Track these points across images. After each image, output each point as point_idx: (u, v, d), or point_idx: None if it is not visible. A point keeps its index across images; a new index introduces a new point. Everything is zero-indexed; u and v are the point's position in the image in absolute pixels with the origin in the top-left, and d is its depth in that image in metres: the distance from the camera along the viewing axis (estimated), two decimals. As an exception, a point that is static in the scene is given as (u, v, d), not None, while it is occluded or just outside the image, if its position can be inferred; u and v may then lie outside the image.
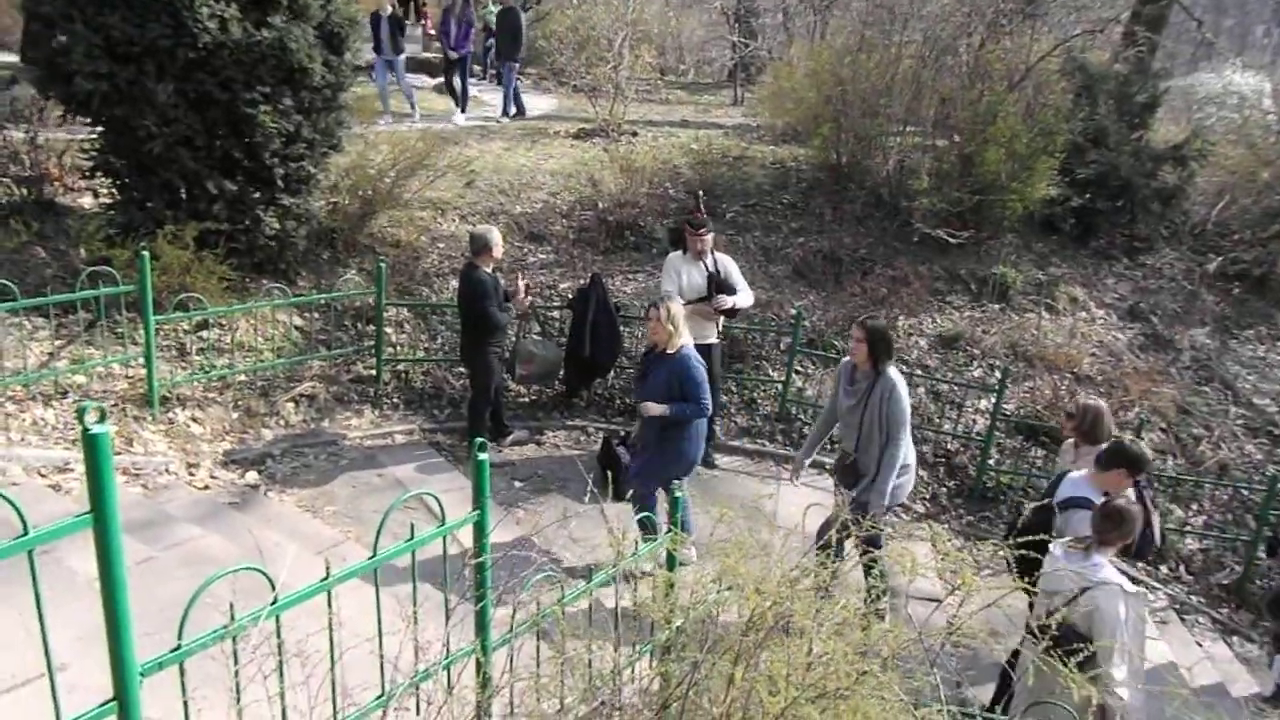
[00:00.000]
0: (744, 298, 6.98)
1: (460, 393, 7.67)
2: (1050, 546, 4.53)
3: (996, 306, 9.98)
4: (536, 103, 16.00)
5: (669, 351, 5.49)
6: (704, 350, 7.06)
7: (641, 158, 11.28)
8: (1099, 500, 4.86)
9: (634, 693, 3.22)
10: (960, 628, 3.13)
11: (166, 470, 5.97)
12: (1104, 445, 5.44)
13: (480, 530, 3.01)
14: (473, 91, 15.66)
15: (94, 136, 7.20)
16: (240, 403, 6.84)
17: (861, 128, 10.83)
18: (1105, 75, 11.69)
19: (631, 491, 5.16)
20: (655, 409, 5.43)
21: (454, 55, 13.65)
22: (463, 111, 13.75)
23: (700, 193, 9.26)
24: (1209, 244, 11.75)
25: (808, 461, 6.06)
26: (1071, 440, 5.73)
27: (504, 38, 13.99)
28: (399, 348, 7.89)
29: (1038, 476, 8.09)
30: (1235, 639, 7.37)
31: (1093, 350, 9.61)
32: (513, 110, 14.15)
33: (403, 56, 13.34)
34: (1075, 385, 9.03)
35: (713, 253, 6.96)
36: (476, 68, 18.34)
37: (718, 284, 6.81)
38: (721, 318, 7.00)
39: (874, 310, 9.33)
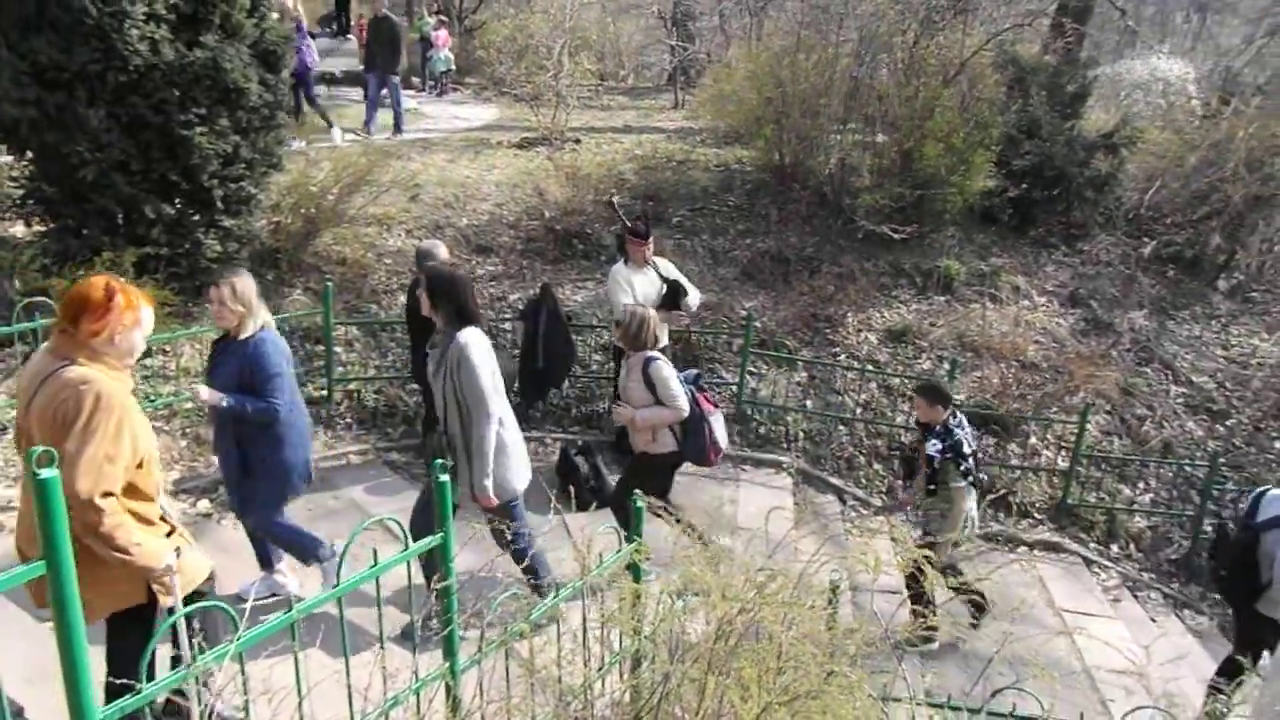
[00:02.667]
0: (696, 295, 7.06)
1: (414, 409, 7.58)
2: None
3: (942, 299, 10.14)
4: (477, 113, 15.92)
5: (241, 337, 4.41)
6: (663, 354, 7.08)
7: (586, 165, 11.28)
8: None
9: (605, 706, 3.22)
10: (925, 621, 3.18)
11: (115, 504, 5.82)
12: (649, 351, 5.39)
13: (444, 553, 2.98)
14: (412, 104, 15.51)
15: (23, 164, 7.01)
16: (188, 430, 6.70)
17: (802, 128, 10.94)
18: (1036, 67, 11.95)
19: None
20: (209, 394, 4.32)
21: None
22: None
23: (614, 198, 9.25)
24: (1143, 228, 12.05)
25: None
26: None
27: (380, 49, 12.90)
28: (349, 367, 7.78)
29: (989, 464, 8.24)
30: (1187, 612, 7.58)
31: (1037, 338, 9.80)
32: (390, 128, 12.80)
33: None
34: (1022, 372, 9.22)
35: (651, 258, 6.99)
36: (416, 80, 18.24)
37: (677, 289, 6.84)
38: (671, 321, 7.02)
39: (824, 307, 9.45)
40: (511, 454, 4.63)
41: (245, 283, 4.41)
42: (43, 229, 7.38)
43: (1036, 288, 10.74)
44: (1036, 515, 8.03)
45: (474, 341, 4.39)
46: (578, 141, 12.77)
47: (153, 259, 6.97)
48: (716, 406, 5.65)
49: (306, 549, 4.85)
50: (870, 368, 8.88)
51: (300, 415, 4.68)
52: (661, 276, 6.89)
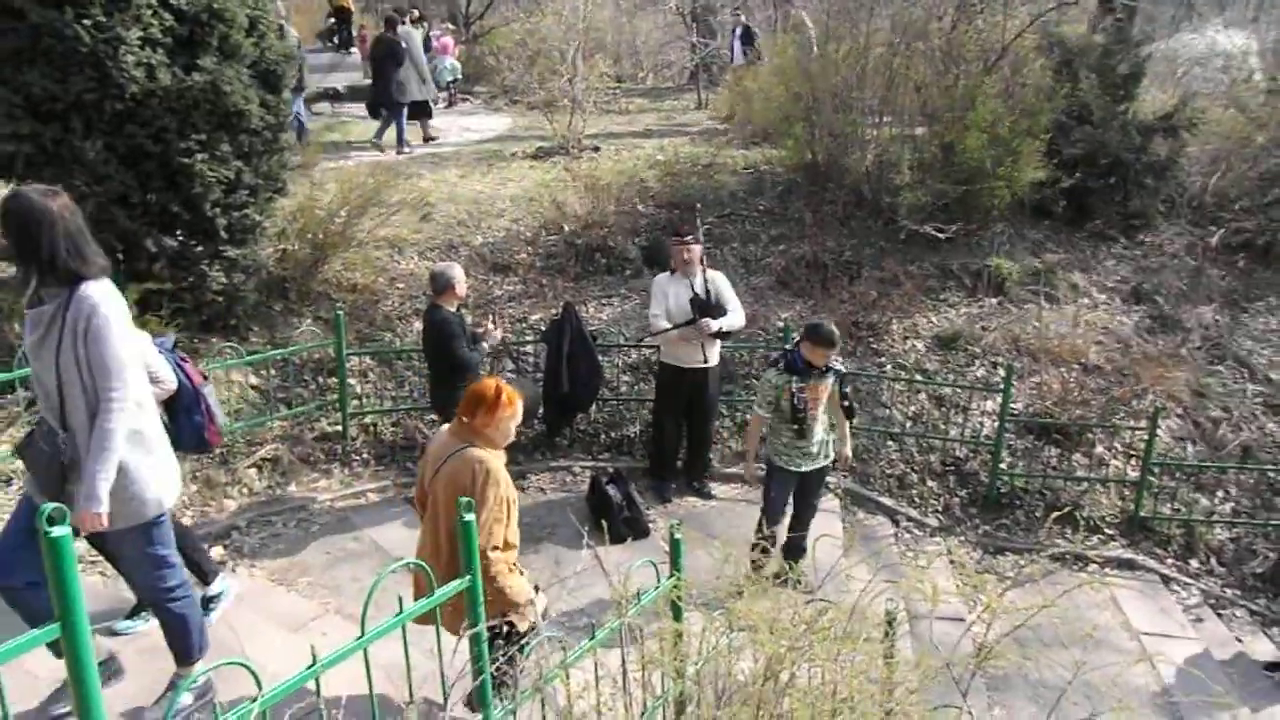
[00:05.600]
0: (734, 318, 6.97)
1: (434, 441, 7.64)
2: None
3: (994, 300, 10.07)
4: (489, 123, 16.07)
5: None
6: (701, 374, 7.08)
7: (606, 174, 11.35)
8: None
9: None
10: (990, 651, 3.16)
11: (125, 553, 5.91)
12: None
13: (473, 597, 3.01)
14: (433, 120, 15.66)
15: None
16: (199, 473, 6.80)
17: (835, 124, 10.94)
18: (1085, 48, 11.87)
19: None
20: None
21: None
22: None
23: (698, 205, 9.30)
24: (1208, 215, 11.90)
25: None
26: None
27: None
28: (364, 399, 7.87)
29: (1053, 478, 8.16)
30: (1276, 630, 7.44)
31: (1099, 338, 9.70)
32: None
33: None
34: (1084, 376, 9.13)
35: (703, 269, 7.01)
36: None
37: (703, 305, 6.83)
38: (717, 341, 7.02)
39: (866, 314, 9.41)
40: (157, 455, 3.76)
41: None
42: (41, 268, 7.52)
43: (1096, 284, 10.64)
44: (1107, 531, 7.93)
45: (106, 295, 3.48)
46: (596, 149, 12.85)
47: (155, 294, 7.09)
48: (206, 378, 4.84)
49: None
50: (919, 377, 8.84)
51: None
52: (700, 289, 6.89)
